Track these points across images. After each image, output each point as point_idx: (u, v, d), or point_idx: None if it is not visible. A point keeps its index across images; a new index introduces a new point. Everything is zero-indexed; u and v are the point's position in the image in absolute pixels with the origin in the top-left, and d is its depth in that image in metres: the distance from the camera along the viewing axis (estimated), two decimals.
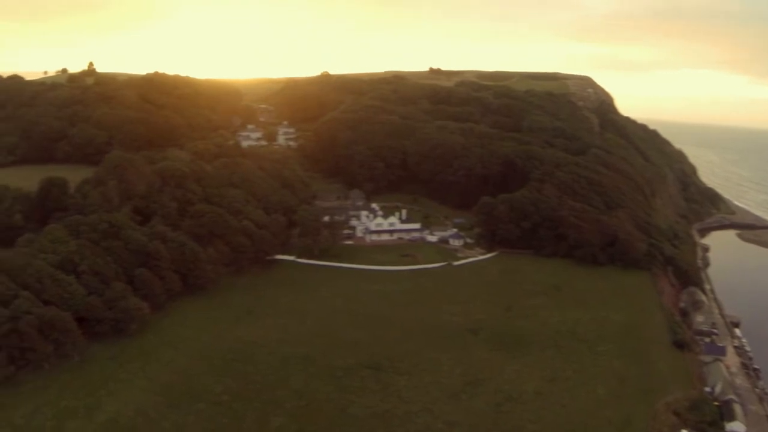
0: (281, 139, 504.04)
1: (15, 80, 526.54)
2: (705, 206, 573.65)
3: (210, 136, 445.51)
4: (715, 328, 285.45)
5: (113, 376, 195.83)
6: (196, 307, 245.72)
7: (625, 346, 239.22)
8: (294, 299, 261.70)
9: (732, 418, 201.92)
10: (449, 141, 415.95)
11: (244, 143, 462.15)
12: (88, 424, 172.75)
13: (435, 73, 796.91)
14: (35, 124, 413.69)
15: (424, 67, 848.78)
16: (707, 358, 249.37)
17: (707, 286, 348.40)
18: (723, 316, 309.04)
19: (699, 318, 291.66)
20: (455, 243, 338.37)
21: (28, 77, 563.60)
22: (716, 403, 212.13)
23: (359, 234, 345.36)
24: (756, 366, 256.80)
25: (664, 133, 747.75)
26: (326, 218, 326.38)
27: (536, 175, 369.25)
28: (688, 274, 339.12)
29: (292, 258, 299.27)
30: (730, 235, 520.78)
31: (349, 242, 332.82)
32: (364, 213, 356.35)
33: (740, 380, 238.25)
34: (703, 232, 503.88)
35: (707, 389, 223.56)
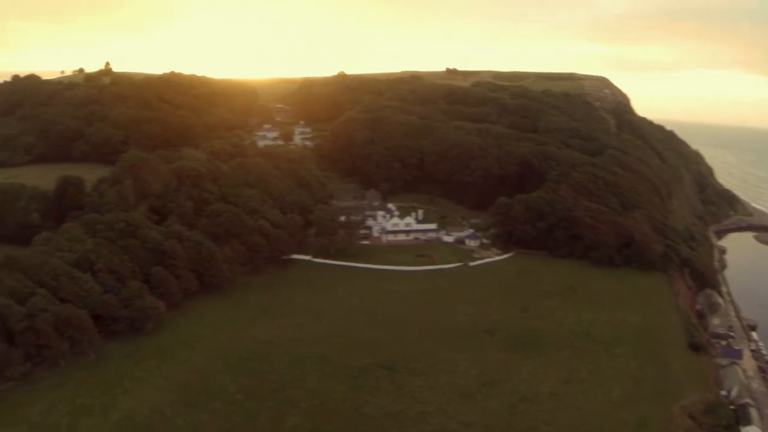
0: (297, 139, 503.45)
1: (32, 80, 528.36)
2: (722, 208, 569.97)
3: (226, 136, 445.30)
4: (731, 331, 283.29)
5: (129, 374, 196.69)
6: (212, 306, 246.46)
7: (641, 348, 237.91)
8: (310, 299, 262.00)
9: (748, 422, 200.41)
10: (466, 141, 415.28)
11: (261, 143, 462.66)
12: (104, 421, 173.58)
13: (451, 73, 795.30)
14: (52, 123, 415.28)
15: (440, 68, 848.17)
16: (723, 361, 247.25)
17: (724, 289, 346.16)
18: (740, 318, 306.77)
19: (715, 321, 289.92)
20: (471, 243, 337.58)
21: (45, 77, 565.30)
22: (732, 407, 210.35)
23: (375, 234, 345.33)
24: None
25: (681, 134, 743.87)
26: (342, 218, 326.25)
27: (553, 175, 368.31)
28: (705, 276, 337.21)
29: (308, 258, 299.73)
30: (747, 237, 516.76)
31: (365, 242, 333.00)
32: (380, 213, 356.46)
33: (756, 384, 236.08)
34: (720, 233, 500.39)
35: (723, 393, 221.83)
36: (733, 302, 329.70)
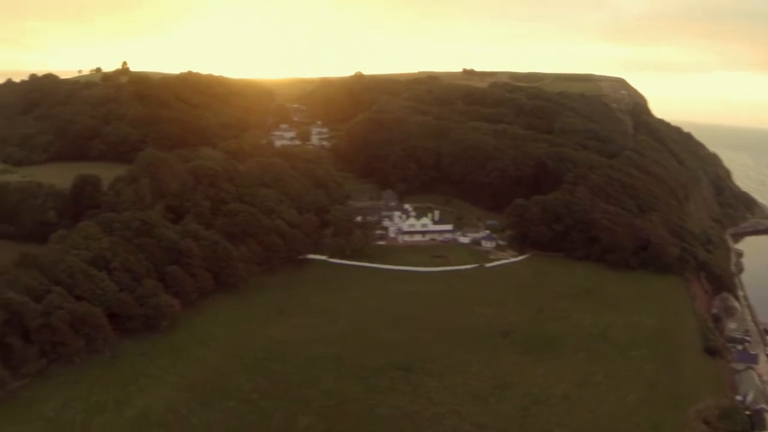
0: (315, 139, 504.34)
1: (50, 79, 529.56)
2: (739, 210, 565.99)
3: (243, 136, 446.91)
4: (747, 336, 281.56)
5: (144, 371, 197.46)
6: (228, 306, 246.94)
7: (656, 352, 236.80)
8: (326, 299, 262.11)
9: (763, 427, 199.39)
10: (482, 142, 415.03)
11: (278, 143, 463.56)
12: (118, 418, 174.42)
13: (468, 74, 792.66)
14: (70, 122, 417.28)
15: (457, 68, 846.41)
16: (739, 366, 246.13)
17: (740, 293, 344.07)
18: (756, 323, 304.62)
19: (731, 325, 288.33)
20: (487, 245, 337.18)
21: (63, 76, 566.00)
22: (747, 412, 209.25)
23: (392, 234, 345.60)
24: None
25: (698, 136, 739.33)
26: (359, 218, 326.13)
27: (569, 177, 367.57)
28: (721, 280, 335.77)
29: (324, 258, 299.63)
30: (765, 240, 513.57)
31: (382, 243, 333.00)
32: (396, 213, 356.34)
33: None
34: (737, 237, 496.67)
35: (738, 398, 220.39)
36: (749, 306, 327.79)
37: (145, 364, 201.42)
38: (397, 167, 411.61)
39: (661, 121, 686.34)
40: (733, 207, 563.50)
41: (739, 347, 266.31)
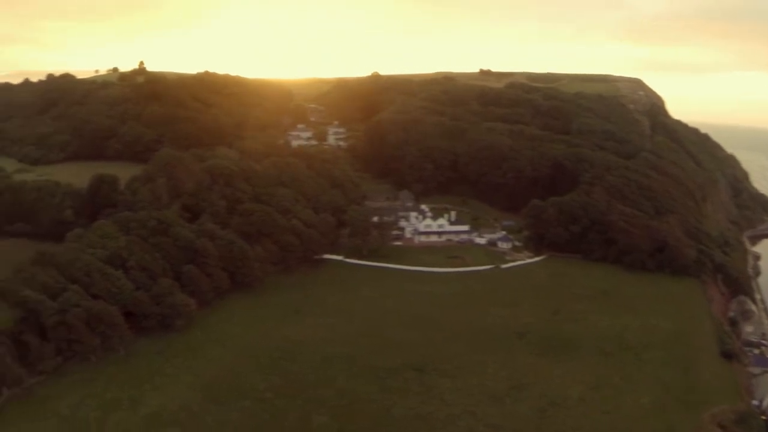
0: (331, 139, 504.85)
1: (67, 79, 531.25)
2: (757, 213, 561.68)
3: (259, 136, 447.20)
4: (764, 339, 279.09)
5: (159, 370, 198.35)
6: (244, 305, 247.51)
7: (672, 355, 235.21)
8: (341, 299, 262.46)
9: None
10: (498, 143, 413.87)
11: (294, 142, 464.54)
12: (132, 416, 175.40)
13: (485, 74, 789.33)
14: (86, 122, 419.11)
15: (474, 69, 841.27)
16: (756, 370, 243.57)
17: (758, 296, 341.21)
18: None
19: (748, 328, 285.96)
20: (504, 246, 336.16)
21: (80, 76, 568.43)
22: (763, 417, 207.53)
23: (408, 235, 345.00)
24: None
25: (716, 137, 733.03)
26: (375, 219, 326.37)
27: (586, 178, 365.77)
28: (738, 283, 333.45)
29: (340, 258, 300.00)
30: None
31: (398, 243, 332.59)
32: (413, 214, 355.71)
33: None
34: (755, 239, 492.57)
35: (755, 402, 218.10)
36: (766, 310, 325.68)
37: (160, 363, 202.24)
38: (414, 168, 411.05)
39: (679, 122, 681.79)
40: (751, 209, 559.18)
41: (756, 351, 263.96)
